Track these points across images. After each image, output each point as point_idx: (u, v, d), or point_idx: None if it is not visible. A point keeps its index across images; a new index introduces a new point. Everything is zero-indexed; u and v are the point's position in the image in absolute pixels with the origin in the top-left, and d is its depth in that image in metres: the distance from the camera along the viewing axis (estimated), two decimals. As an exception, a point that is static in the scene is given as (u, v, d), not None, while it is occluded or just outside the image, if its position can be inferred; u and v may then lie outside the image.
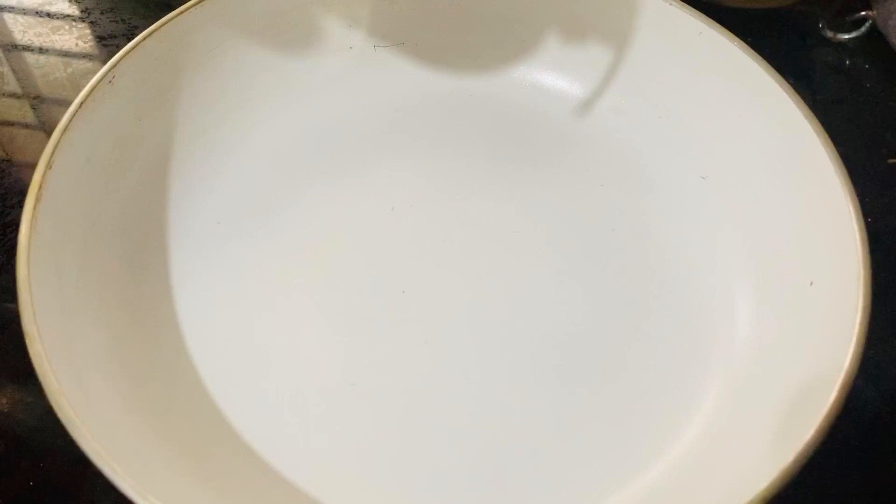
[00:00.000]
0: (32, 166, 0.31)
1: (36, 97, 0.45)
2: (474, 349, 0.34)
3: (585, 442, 0.32)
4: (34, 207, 0.30)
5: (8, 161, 0.42)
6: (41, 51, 0.47)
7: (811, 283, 0.32)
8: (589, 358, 0.34)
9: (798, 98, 0.33)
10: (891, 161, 0.43)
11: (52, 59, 0.47)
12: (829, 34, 0.47)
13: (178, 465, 0.30)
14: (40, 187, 0.30)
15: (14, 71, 0.46)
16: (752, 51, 0.35)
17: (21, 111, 0.44)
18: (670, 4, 0.37)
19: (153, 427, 0.30)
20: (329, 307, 0.35)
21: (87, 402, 0.28)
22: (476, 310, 0.35)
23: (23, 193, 0.33)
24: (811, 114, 0.33)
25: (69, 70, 0.46)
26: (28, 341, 0.27)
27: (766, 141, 0.35)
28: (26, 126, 0.44)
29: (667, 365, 0.34)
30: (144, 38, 0.35)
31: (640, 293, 0.36)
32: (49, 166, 0.31)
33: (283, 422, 0.32)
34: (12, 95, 0.45)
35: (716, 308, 0.35)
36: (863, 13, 0.47)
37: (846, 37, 0.47)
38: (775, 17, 0.49)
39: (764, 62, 0.35)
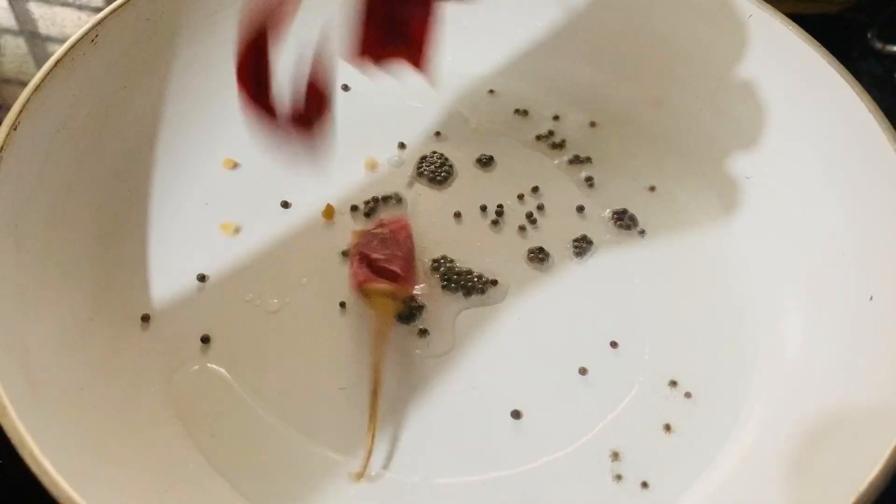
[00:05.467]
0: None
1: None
2: (494, 353, 0.31)
3: (619, 465, 0.28)
4: (-8, 170, 0.27)
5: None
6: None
7: (871, 298, 0.28)
8: (622, 370, 0.30)
9: (861, 89, 0.30)
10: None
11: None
12: (878, 45, 0.44)
13: (145, 482, 0.26)
14: (1, 149, 0.27)
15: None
16: (809, 36, 0.31)
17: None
18: (715, -15, 0.34)
19: (116, 434, 0.27)
20: (323, 301, 0.32)
21: (39, 405, 0.24)
22: (493, 311, 0.32)
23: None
24: (876, 107, 0.29)
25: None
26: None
27: (820, 137, 0.31)
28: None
29: (706, 383, 0.30)
30: (135, -5, 0.32)
31: (676, 304, 0.32)
32: (14, 127, 0.27)
33: (268, 432, 0.29)
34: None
35: (760, 322, 0.31)
36: (915, 25, 0.43)
37: (896, 49, 0.44)
38: (822, 23, 0.45)
39: (822, 48, 0.31)
